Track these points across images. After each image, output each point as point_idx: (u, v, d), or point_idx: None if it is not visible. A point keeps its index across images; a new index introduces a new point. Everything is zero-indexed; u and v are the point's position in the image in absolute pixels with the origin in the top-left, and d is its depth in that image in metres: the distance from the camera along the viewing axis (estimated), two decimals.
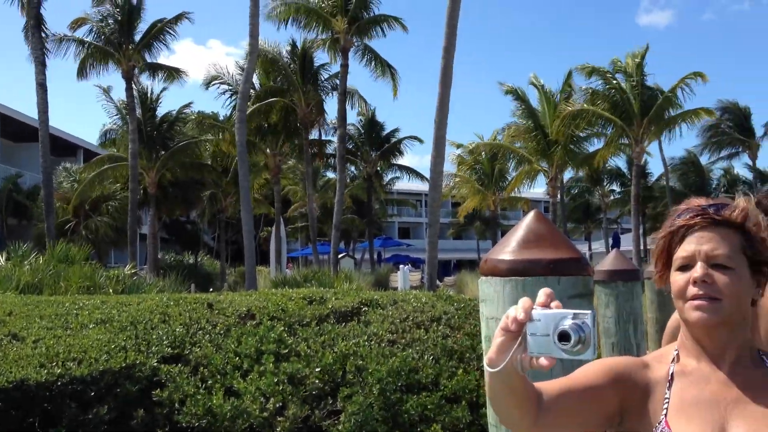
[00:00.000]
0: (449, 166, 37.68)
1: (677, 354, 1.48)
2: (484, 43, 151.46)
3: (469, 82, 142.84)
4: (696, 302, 1.37)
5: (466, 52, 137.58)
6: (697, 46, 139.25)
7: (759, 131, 45.37)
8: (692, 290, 1.38)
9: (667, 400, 1.42)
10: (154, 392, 4.28)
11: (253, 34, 19.63)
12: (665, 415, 1.41)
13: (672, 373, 1.44)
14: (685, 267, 1.41)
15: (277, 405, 4.29)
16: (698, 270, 1.38)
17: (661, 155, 39.00)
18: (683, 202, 1.50)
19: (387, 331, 5.25)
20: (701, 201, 1.46)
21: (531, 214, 1.98)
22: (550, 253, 1.86)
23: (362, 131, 40.15)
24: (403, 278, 26.27)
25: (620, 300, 4.11)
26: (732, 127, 45.51)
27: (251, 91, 29.37)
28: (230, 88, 30.59)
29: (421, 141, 38.17)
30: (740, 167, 53.88)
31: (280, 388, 4.40)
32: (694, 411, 1.39)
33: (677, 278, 1.42)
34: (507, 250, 1.91)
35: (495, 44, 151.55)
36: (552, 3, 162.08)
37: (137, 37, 28.78)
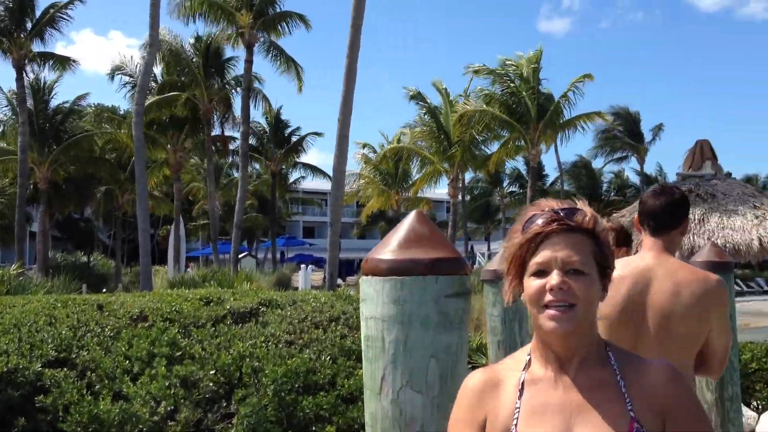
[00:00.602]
0: (354, 165, 37.87)
1: (529, 359, 1.51)
2: (390, 43, 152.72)
3: (375, 81, 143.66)
4: (551, 312, 1.39)
5: (374, 51, 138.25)
6: (593, 52, 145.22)
7: (648, 136, 47.71)
8: (548, 297, 1.39)
9: (517, 410, 1.45)
10: (37, 398, 4.12)
11: (153, 25, 19.07)
12: (515, 424, 1.44)
13: (522, 382, 1.48)
14: (540, 273, 1.42)
15: (169, 409, 4.21)
16: (555, 278, 1.39)
17: (556, 158, 40.49)
18: (533, 204, 1.50)
19: (285, 332, 5.24)
20: (552, 203, 1.47)
21: (412, 215, 2.03)
22: (429, 253, 1.91)
23: (267, 129, 39.72)
24: (304, 278, 26.07)
25: None
26: (623, 132, 47.64)
27: (154, 84, 28.54)
28: (132, 80, 29.65)
29: (320, 135, 38.13)
30: (630, 171, 56.44)
31: (172, 391, 4.32)
32: (542, 418, 1.42)
33: (532, 284, 1.43)
34: (388, 249, 1.94)
35: (402, 45, 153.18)
36: (455, 6, 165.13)
37: (30, 25, 27.48)
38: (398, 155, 31.49)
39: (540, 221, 1.43)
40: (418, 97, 27.98)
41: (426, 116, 27.62)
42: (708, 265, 4.33)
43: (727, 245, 13.10)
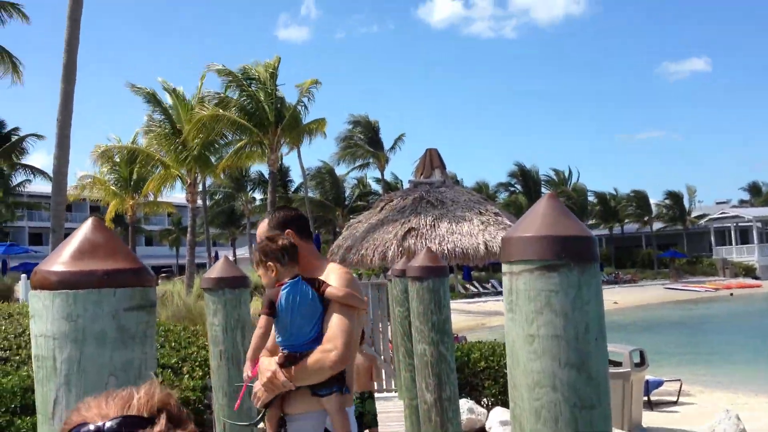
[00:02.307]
0: (87, 167, 35.26)
1: None
2: (125, 45, 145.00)
3: (114, 83, 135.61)
4: None
5: (105, 50, 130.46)
6: (330, 61, 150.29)
7: (387, 144, 50.27)
8: None
9: None
10: None
11: None
12: None
13: None
14: None
15: None
16: None
17: (300, 164, 41.10)
18: (77, 410, 1.08)
19: None
20: (93, 413, 1.09)
21: (88, 222, 1.85)
22: (106, 264, 1.75)
23: None
24: (25, 288, 23.53)
25: (228, 307, 4.13)
26: (363, 139, 49.68)
27: None
28: None
29: (41, 137, 35.01)
30: (371, 178, 59.15)
31: None
32: None
33: None
34: (59, 261, 1.75)
35: (138, 49, 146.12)
36: (191, 8, 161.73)
37: None
38: (133, 158, 29.83)
39: None
40: (151, 98, 26.69)
41: (160, 117, 26.43)
42: (424, 269, 4.59)
43: (456, 249, 14.15)
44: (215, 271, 4.27)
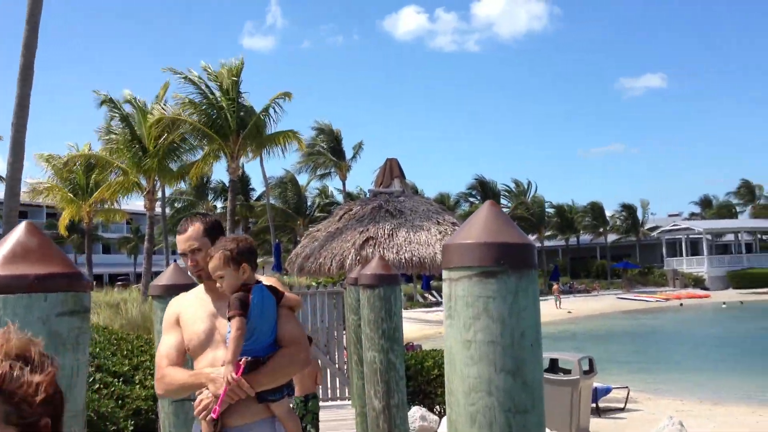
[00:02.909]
0: (39, 173, 34.52)
1: None
2: (86, 49, 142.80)
3: (70, 88, 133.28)
4: None
5: (63, 53, 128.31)
6: (297, 70, 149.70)
7: (349, 153, 50.22)
8: None
9: None
10: None
11: None
12: None
13: None
14: None
15: None
16: None
17: (262, 172, 40.81)
18: None
19: None
20: None
21: (22, 226, 1.83)
22: (37, 268, 1.72)
23: None
24: None
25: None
26: (326, 148, 49.54)
27: None
28: None
29: None
30: (333, 188, 59.04)
31: None
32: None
33: None
34: None
35: (99, 52, 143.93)
36: (158, 14, 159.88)
37: None
38: (89, 164, 29.33)
39: None
40: (109, 102, 26.30)
41: (119, 123, 26.06)
42: (375, 277, 4.59)
43: (414, 259, 14.18)
44: (164, 278, 4.22)
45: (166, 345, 2.94)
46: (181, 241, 2.99)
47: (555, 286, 46.91)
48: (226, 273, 2.82)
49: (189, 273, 3.05)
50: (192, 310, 2.96)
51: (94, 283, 33.73)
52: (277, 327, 2.86)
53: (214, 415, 2.68)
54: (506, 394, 1.83)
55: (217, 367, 2.79)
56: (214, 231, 3.03)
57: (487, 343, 1.86)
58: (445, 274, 2.00)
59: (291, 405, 3.00)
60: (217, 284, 2.87)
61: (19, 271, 1.72)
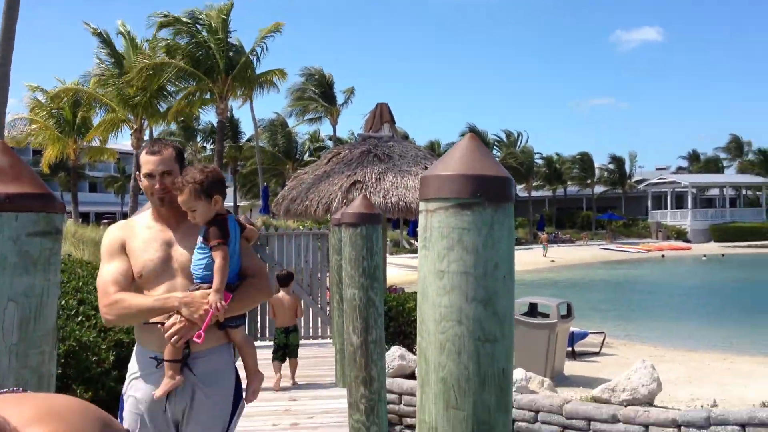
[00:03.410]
0: (23, 109, 34.01)
1: None
2: None
3: (51, 20, 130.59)
4: None
5: None
6: (286, 11, 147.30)
7: (341, 99, 49.74)
8: None
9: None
10: None
11: None
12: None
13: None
14: None
15: None
16: None
17: (251, 115, 40.40)
18: None
19: None
20: None
21: None
22: (8, 187, 1.70)
23: None
24: None
25: None
26: (317, 93, 49.01)
27: None
28: None
29: None
30: (325, 135, 58.65)
31: None
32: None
33: None
34: None
35: None
36: None
37: None
38: (75, 99, 28.91)
39: None
40: (101, 36, 25.80)
41: (108, 59, 25.62)
42: (357, 216, 4.60)
43: (400, 203, 14.19)
44: (141, 211, 4.21)
45: (112, 271, 2.83)
46: (154, 162, 2.89)
47: (543, 236, 47.40)
48: (198, 206, 2.85)
49: (148, 195, 2.92)
50: (142, 238, 2.90)
51: (81, 220, 33.62)
52: (240, 257, 2.94)
53: (199, 340, 2.73)
54: (476, 324, 1.85)
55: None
56: (182, 159, 3.00)
57: (460, 273, 1.87)
58: (422, 205, 2.00)
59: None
60: (189, 216, 2.88)
61: None
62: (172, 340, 2.74)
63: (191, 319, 2.73)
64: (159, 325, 2.76)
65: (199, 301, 2.73)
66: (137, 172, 2.98)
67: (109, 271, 2.84)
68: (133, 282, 2.85)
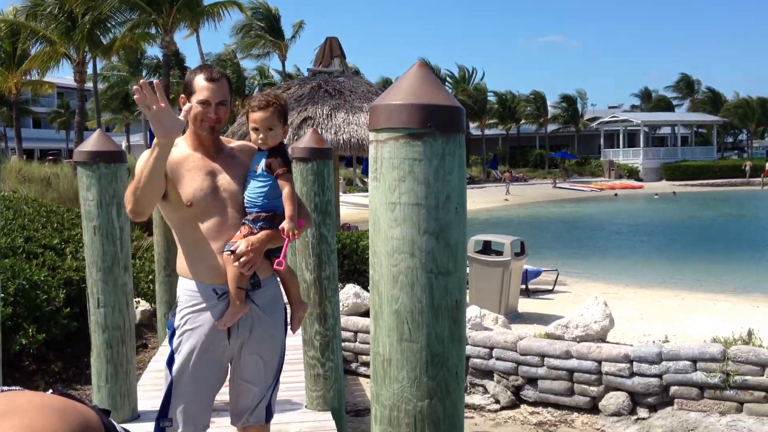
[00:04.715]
0: None
1: None
2: None
3: None
4: None
5: None
6: None
7: (288, 33, 48.59)
8: None
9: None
10: None
11: None
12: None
13: None
14: None
15: None
16: None
17: (198, 49, 39.31)
18: None
19: None
20: None
21: None
22: None
23: None
24: None
25: (103, 182, 3.97)
26: (264, 27, 47.81)
27: None
28: None
29: None
30: (273, 70, 57.51)
31: None
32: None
33: None
34: None
35: None
36: None
37: None
38: (14, 31, 27.66)
39: None
40: None
41: None
42: (308, 151, 4.53)
43: (352, 140, 14.08)
44: (89, 144, 4.08)
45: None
46: (212, 90, 2.74)
47: (506, 174, 48.02)
48: (278, 127, 2.85)
49: (194, 121, 2.75)
50: (185, 166, 2.78)
51: (25, 157, 32.62)
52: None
53: (281, 267, 2.81)
54: (428, 256, 1.84)
55: (227, 225, 2.77)
56: (231, 89, 2.91)
57: (411, 205, 1.85)
58: (371, 135, 1.96)
59: None
60: (255, 137, 2.84)
61: None
62: (244, 268, 2.70)
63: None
64: (228, 253, 2.70)
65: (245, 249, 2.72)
66: (182, 96, 2.82)
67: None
68: (180, 212, 2.75)
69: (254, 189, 2.81)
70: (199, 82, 2.77)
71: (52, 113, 61.05)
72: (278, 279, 2.96)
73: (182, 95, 2.83)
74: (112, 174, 4.02)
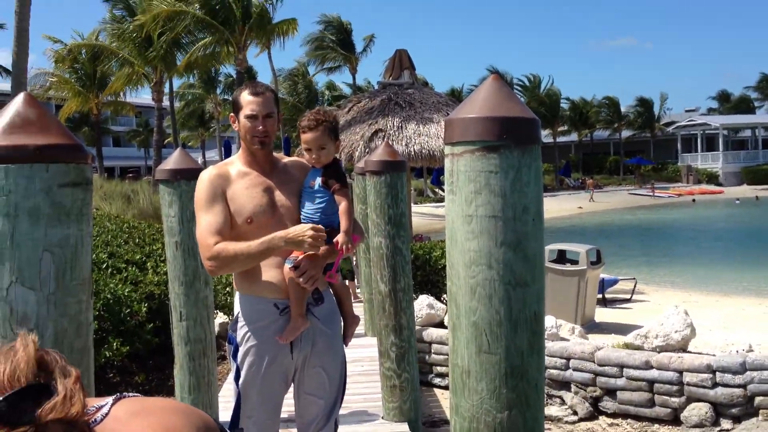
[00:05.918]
0: (45, 63, 34.04)
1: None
2: None
3: None
4: None
5: None
6: None
7: (359, 47, 49.10)
8: None
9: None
10: None
11: None
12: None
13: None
14: None
15: None
16: None
17: (270, 65, 40.09)
18: None
19: None
20: None
21: (20, 97, 1.80)
22: (38, 139, 1.72)
23: None
24: None
25: (183, 199, 4.11)
26: (335, 41, 48.42)
27: None
28: None
29: (2, 27, 33.40)
30: (343, 83, 58.15)
31: None
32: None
33: None
34: None
35: None
36: None
37: None
38: (95, 54, 28.88)
39: None
40: None
41: (121, 13, 25.46)
42: (381, 164, 4.58)
43: (423, 151, 14.11)
44: (171, 162, 4.23)
45: (211, 221, 2.76)
46: (258, 103, 2.80)
47: (590, 181, 47.47)
48: (329, 145, 2.88)
49: (245, 137, 2.83)
50: (243, 184, 2.84)
51: (106, 175, 33.94)
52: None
53: (334, 280, 2.85)
54: (506, 268, 1.85)
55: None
56: (278, 102, 2.97)
57: (488, 217, 1.86)
58: (447, 149, 1.98)
59: None
60: (308, 156, 2.88)
61: (19, 141, 1.71)
62: (308, 283, 2.74)
63: (314, 247, 2.68)
64: (291, 268, 2.73)
65: (302, 231, 2.67)
66: (231, 114, 2.91)
67: (208, 221, 2.77)
68: (238, 228, 2.79)
69: (312, 205, 2.84)
70: (245, 97, 2.83)
71: (131, 132, 63.31)
72: (331, 292, 2.99)
73: (231, 114, 2.91)
74: (192, 191, 4.15)
